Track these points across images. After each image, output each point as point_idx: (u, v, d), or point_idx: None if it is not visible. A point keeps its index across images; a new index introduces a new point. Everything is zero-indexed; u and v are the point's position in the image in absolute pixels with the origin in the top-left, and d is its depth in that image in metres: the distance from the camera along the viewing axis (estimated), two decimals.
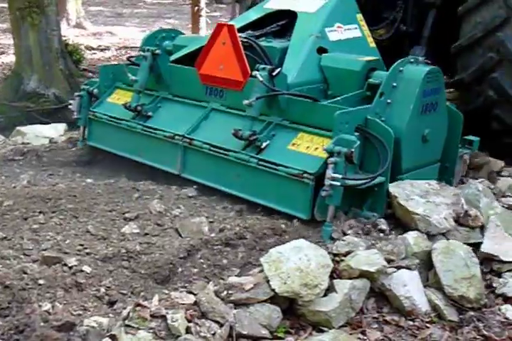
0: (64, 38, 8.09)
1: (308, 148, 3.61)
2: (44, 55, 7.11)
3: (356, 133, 3.45)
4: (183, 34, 5.02)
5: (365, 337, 2.90)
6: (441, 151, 3.96)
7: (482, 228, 3.50)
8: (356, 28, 4.34)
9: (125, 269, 3.05)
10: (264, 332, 2.74)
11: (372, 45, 4.42)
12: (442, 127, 3.89)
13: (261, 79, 3.67)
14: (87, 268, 2.98)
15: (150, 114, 4.40)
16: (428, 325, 3.05)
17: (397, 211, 3.50)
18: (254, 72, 3.72)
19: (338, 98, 3.79)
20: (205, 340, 2.56)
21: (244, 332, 2.68)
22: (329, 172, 3.26)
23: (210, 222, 3.58)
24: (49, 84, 7.10)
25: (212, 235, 3.40)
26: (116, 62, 8.58)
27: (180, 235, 3.45)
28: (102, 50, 11.77)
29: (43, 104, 6.95)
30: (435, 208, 3.39)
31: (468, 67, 4.68)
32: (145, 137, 4.34)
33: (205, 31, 12.24)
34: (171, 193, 4.00)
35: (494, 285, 3.33)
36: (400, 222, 3.50)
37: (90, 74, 8.57)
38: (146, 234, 3.44)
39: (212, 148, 3.93)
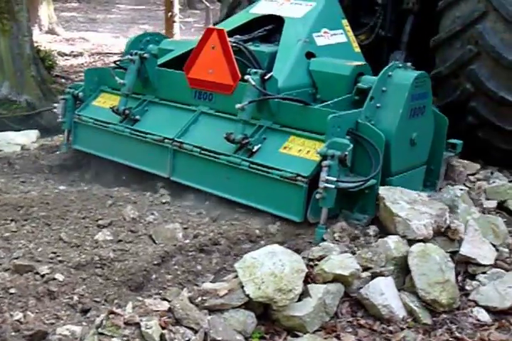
0: (36, 44, 8.01)
1: (300, 151, 3.66)
2: (16, 61, 7.03)
3: (347, 137, 3.52)
4: (168, 38, 5.01)
5: None
6: (428, 154, 4.04)
7: (460, 241, 3.51)
8: (342, 34, 4.43)
9: (98, 277, 3.03)
10: (239, 338, 2.73)
11: (357, 50, 4.51)
12: (429, 130, 3.98)
13: (253, 83, 3.71)
14: (59, 276, 2.96)
15: (138, 117, 4.41)
16: (402, 327, 3.08)
17: (381, 213, 3.52)
18: (247, 76, 3.75)
19: (329, 102, 3.86)
20: None
21: (219, 338, 2.67)
22: (323, 175, 3.31)
23: (185, 228, 3.57)
24: (21, 91, 7.02)
25: (187, 241, 3.39)
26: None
27: (154, 242, 3.44)
28: (74, 56, 11.68)
29: (14, 111, 6.87)
30: (418, 215, 3.39)
31: (447, 60, 4.72)
32: (133, 140, 4.34)
33: (179, 37, 12.24)
34: (145, 200, 3.98)
35: (467, 287, 3.36)
36: (382, 224, 3.52)
37: (63, 80, 8.50)
38: (120, 240, 3.42)
39: (202, 152, 3.95)
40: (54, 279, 2.94)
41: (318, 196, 3.36)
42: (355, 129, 3.59)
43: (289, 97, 3.86)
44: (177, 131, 4.11)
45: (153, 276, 3.08)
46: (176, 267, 3.17)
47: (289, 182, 3.55)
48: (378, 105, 3.72)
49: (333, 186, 3.32)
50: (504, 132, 4.70)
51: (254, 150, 3.76)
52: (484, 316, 3.17)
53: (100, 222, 3.61)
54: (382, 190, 3.51)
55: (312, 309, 2.93)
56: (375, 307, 3.10)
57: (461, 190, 4.04)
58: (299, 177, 3.51)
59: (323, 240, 3.38)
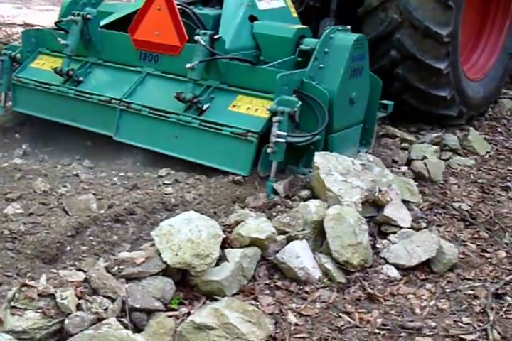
0: None
1: (248, 109, 3.81)
2: None
3: (293, 95, 3.67)
4: (102, 1, 4.99)
5: (257, 303, 2.96)
6: (364, 113, 4.24)
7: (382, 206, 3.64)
8: None
9: (9, 251, 2.94)
10: (158, 305, 2.72)
11: (295, 15, 4.69)
12: (366, 91, 4.19)
13: (203, 43, 3.81)
14: None
15: (81, 78, 4.38)
16: (318, 287, 3.17)
17: (313, 181, 3.60)
18: (196, 37, 3.85)
19: (274, 63, 4.04)
20: (96, 316, 2.51)
21: (137, 306, 2.64)
22: (274, 130, 3.49)
23: (99, 199, 3.51)
24: None
25: (101, 212, 3.33)
26: None
27: (67, 213, 3.36)
28: None
29: None
30: (350, 190, 3.47)
31: (373, 30, 4.86)
32: (78, 101, 4.32)
33: None
34: (56, 172, 3.88)
35: (378, 246, 3.49)
36: (313, 190, 3.61)
37: None
38: (31, 213, 3.32)
39: (151, 111, 4.01)
40: None
41: (269, 150, 3.54)
42: (301, 88, 3.74)
43: (238, 57, 4.01)
44: (124, 92, 4.15)
45: (68, 248, 3.02)
46: (91, 238, 3.12)
47: (240, 138, 3.70)
48: (321, 65, 3.89)
49: (283, 140, 3.49)
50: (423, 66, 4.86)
51: (203, 108, 3.87)
52: (393, 272, 3.32)
53: (9, 196, 3.49)
54: (318, 157, 3.59)
55: (230, 273, 2.96)
56: (292, 270, 3.17)
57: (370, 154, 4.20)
58: (250, 133, 3.67)
59: (275, 192, 3.56)
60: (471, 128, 5.36)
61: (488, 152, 5.17)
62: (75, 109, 4.34)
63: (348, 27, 4.12)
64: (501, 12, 5.93)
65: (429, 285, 3.28)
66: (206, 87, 3.97)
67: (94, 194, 3.54)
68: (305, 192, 3.65)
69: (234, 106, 3.87)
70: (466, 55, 5.72)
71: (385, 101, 4.49)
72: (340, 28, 4.04)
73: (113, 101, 4.16)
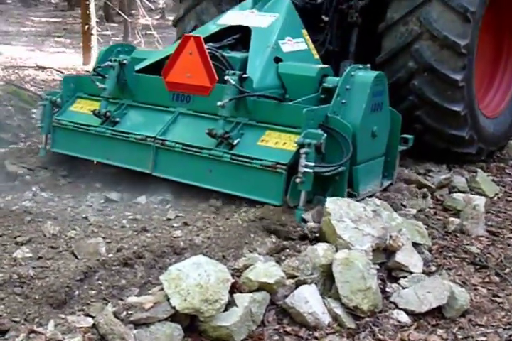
0: None
1: (277, 143, 4.02)
2: None
3: (319, 129, 3.86)
4: (135, 48, 5.36)
5: None
6: (385, 146, 4.45)
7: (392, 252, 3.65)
8: (303, 42, 4.95)
9: (17, 295, 2.91)
10: None
11: (317, 57, 5.02)
12: (386, 125, 4.42)
13: (233, 82, 4.07)
14: None
15: (117, 119, 4.65)
16: (328, 333, 3.13)
17: (324, 226, 3.60)
18: (226, 77, 4.11)
19: (299, 100, 4.28)
20: None
21: None
22: (302, 161, 3.70)
23: (108, 242, 3.51)
24: None
25: (110, 255, 3.32)
26: (2, 83, 8.26)
27: (76, 257, 3.36)
28: None
29: None
30: (361, 238, 3.49)
31: (399, 9, 5.11)
32: (114, 141, 4.56)
33: (96, 50, 12.04)
34: (66, 215, 3.89)
35: (388, 290, 3.47)
36: (323, 235, 3.61)
37: None
38: (40, 257, 3.32)
39: (185, 147, 4.23)
40: None
41: (298, 180, 3.72)
42: (325, 122, 3.96)
43: (265, 95, 4.26)
44: (158, 130, 4.39)
45: (76, 292, 3.00)
46: (99, 282, 3.10)
47: (270, 170, 3.90)
48: (344, 101, 4.12)
49: (311, 170, 3.69)
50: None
51: (234, 143, 4.08)
52: (404, 317, 3.28)
53: (18, 239, 3.49)
54: (330, 203, 3.64)
55: (239, 318, 2.94)
56: (301, 315, 3.14)
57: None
58: (279, 165, 3.86)
59: (303, 221, 3.73)
60: (479, 170, 5.37)
61: (496, 194, 5.17)
62: (112, 148, 4.59)
63: (368, 65, 4.36)
64: None
65: (440, 331, 3.24)
66: (236, 124, 4.19)
67: (103, 237, 3.54)
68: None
69: (263, 140, 4.08)
70: (483, 93, 5.92)
71: (406, 136, 4.67)
72: (360, 67, 4.29)
73: (148, 139, 4.40)
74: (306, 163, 3.69)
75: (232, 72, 4.18)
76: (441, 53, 4.99)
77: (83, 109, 4.89)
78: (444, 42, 4.96)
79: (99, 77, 4.78)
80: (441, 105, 5.09)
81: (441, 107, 5.10)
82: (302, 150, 3.72)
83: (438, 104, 5.08)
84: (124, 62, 4.66)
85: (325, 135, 3.77)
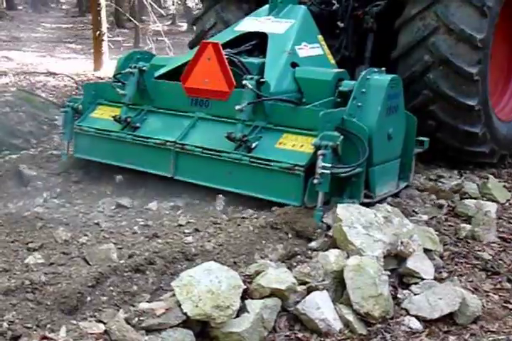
0: None
1: (294, 145, 4.10)
2: None
3: (335, 131, 3.91)
4: (154, 55, 5.49)
5: None
6: (401, 149, 4.49)
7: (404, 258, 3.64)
8: (319, 47, 5.03)
9: (29, 302, 2.92)
10: None
11: (333, 61, 5.09)
12: (402, 127, 4.47)
13: (251, 87, 4.17)
14: None
15: (138, 125, 4.74)
16: (339, 339, 3.13)
17: (335, 233, 3.60)
18: (244, 81, 4.20)
19: (316, 103, 4.34)
20: None
21: None
22: (320, 163, 3.75)
23: (119, 248, 3.52)
24: None
25: (122, 261, 3.33)
26: (13, 89, 8.33)
27: (88, 263, 3.37)
28: None
29: None
30: (372, 244, 3.48)
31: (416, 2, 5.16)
32: (135, 145, 4.66)
33: (107, 56, 12.12)
34: (77, 220, 3.90)
35: (399, 296, 3.45)
36: (334, 241, 3.60)
37: None
38: (52, 263, 3.34)
39: (204, 151, 4.32)
40: None
41: (315, 181, 3.77)
42: (341, 125, 4.00)
43: (282, 98, 4.34)
44: (178, 135, 4.48)
45: (88, 299, 3.01)
46: (111, 288, 3.11)
47: (288, 172, 3.97)
48: (359, 104, 4.16)
49: (328, 172, 3.75)
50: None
51: (252, 147, 4.17)
52: (415, 324, 3.25)
53: (30, 245, 3.51)
54: (341, 209, 3.64)
55: (250, 324, 2.94)
56: (313, 321, 3.14)
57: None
58: (297, 167, 3.94)
59: (322, 222, 3.76)
60: (491, 176, 5.35)
61: (508, 200, 5.12)
62: (133, 153, 4.68)
63: (383, 69, 4.39)
64: None
65: (452, 338, 3.22)
66: (254, 127, 4.28)
67: (114, 243, 3.56)
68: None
69: (280, 143, 4.16)
70: (497, 97, 5.94)
71: (421, 138, 4.73)
72: (375, 70, 4.34)
73: (168, 143, 4.47)
74: (323, 164, 3.75)
75: (250, 76, 4.28)
76: (457, 47, 5.02)
77: (104, 115, 4.98)
78: (460, 36, 4.99)
79: (120, 84, 4.88)
80: (455, 99, 5.11)
81: (455, 101, 5.12)
82: (319, 152, 3.78)
83: (452, 97, 5.10)
84: (144, 68, 4.77)
85: (341, 137, 3.83)
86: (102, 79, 10.91)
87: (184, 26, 25.18)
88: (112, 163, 4.79)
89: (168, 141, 4.48)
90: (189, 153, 4.39)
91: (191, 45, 6.31)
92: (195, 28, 6.56)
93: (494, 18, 5.20)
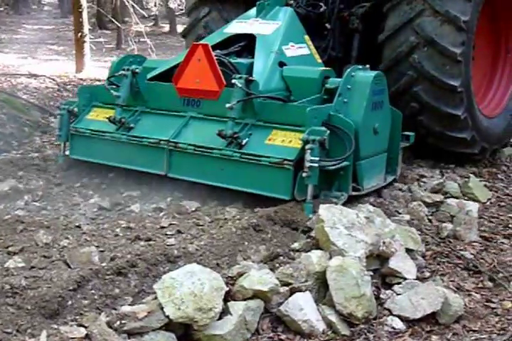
0: None
1: (283, 141, 4.22)
2: None
3: (322, 127, 4.04)
4: (146, 58, 5.62)
5: None
6: (388, 143, 4.64)
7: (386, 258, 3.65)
8: (305, 47, 5.17)
9: (9, 306, 2.88)
10: None
11: (319, 60, 5.23)
12: (387, 122, 4.62)
13: (240, 85, 4.27)
14: None
15: (132, 125, 4.84)
16: (322, 340, 3.13)
17: (318, 233, 3.61)
18: (234, 80, 4.30)
19: (303, 100, 4.45)
20: None
21: None
22: (308, 156, 3.88)
23: (101, 251, 3.49)
24: None
25: (103, 264, 3.30)
26: None
27: (69, 266, 3.33)
28: None
29: None
30: (354, 244, 3.49)
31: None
32: (130, 145, 4.76)
33: (89, 57, 12.05)
34: (58, 223, 3.87)
35: (382, 296, 3.46)
36: (316, 242, 3.61)
37: None
38: (33, 267, 3.30)
39: (197, 149, 4.43)
40: None
41: (304, 174, 3.91)
42: (328, 120, 4.13)
43: (271, 96, 4.46)
44: (171, 134, 4.59)
45: (69, 302, 2.98)
46: (92, 292, 3.08)
47: (278, 167, 4.09)
48: (345, 100, 4.31)
49: (316, 165, 3.88)
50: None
51: (243, 143, 4.28)
52: (398, 324, 3.27)
53: (11, 249, 3.47)
54: (323, 210, 3.66)
55: (233, 326, 2.93)
56: (296, 323, 3.13)
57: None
58: (286, 162, 4.06)
59: (313, 212, 3.86)
60: (472, 175, 5.38)
61: (489, 199, 5.17)
62: (128, 153, 4.77)
63: (367, 66, 4.54)
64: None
65: (434, 337, 3.23)
66: (244, 125, 4.38)
67: (96, 246, 3.53)
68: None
69: (270, 139, 4.27)
70: (482, 95, 6.05)
71: (407, 133, 4.88)
72: (360, 67, 4.48)
73: (161, 142, 4.58)
74: (312, 158, 3.87)
75: (239, 75, 4.37)
76: (442, 28, 5.13)
77: (99, 117, 5.07)
78: (445, 17, 5.10)
79: (113, 86, 4.96)
80: (439, 79, 5.18)
81: (439, 81, 5.19)
82: (307, 146, 3.90)
83: (436, 78, 5.19)
84: (137, 71, 4.87)
85: (328, 131, 3.95)
86: (83, 80, 10.86)
87: (166, 27, 25.15)
88: (107, 163, 4.86)
89: (161, 140, 4.58)
90: (182, 151, 4.50)
91: (184, 34, 6.56)
92: (189, 17, 6.67)
93: (478, 5, 5.31)
